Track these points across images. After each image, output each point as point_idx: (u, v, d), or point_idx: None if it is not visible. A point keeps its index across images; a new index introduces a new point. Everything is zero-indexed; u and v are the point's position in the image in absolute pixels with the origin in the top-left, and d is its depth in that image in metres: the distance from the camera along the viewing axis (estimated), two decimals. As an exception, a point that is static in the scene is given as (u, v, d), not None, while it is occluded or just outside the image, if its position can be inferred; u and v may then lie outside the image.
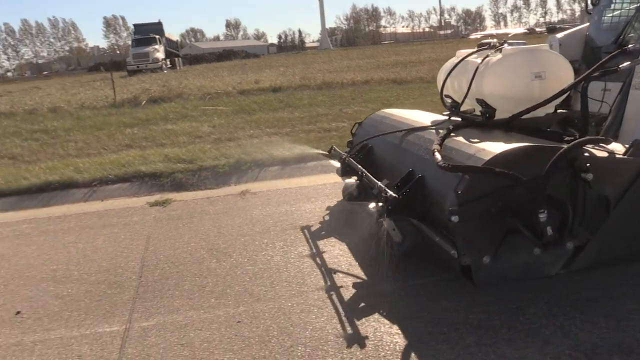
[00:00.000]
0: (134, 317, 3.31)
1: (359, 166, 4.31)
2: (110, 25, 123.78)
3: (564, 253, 3.12)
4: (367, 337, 2.83)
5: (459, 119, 4.16)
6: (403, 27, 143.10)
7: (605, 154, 3.11)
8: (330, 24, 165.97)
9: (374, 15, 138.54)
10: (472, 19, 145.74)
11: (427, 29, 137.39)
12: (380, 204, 3.38)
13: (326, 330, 2.94)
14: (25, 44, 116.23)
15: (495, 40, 4.36)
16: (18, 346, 3.10)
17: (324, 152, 5.69)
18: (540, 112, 3.78)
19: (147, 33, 42.67)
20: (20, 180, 6.90)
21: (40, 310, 3.54)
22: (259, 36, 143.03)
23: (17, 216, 5.93)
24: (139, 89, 18.65)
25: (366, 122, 5.21)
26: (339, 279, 3.57)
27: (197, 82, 20.53)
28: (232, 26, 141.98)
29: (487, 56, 4.07)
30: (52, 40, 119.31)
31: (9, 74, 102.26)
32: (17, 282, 4.05)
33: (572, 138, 3.27)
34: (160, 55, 40.48)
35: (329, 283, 3.53)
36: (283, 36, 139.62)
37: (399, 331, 2.86)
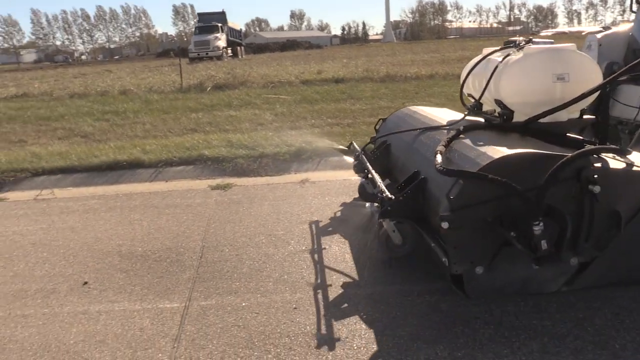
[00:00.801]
0: (194, 296, 3.39)
1: (367, 164, 4.21)
2: (179, 13, 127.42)
3: (568, 269, 2.91)
4: (416, 335, 2.78)
5: (476, 120, 3.94)
6: (470, 22, 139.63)
7: (619, 166, 2.83)
8: (395, 16, 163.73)
9: (440, 9, 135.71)
10: (544, 15, 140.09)
11: (495, 25, 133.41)
12: (376, 204, 3.29)
13: (383, 322, 2.91)
14: (99, 29, 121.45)
15: (521, 38, 4.07)
16: (85, 315, 3.25)
17: (343, 147, 5.57)
18: (563, 117, 3.45)
19: (210, 21, 43.17)
20: (91, 158, 7.21)
21: (106, 282, 3.69)
22: (323, 27, 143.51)
23: (87, 192, 6.20)
24: (204, 75, 19.08)
25: (390, 119, 5.03)
26: (395, 270, 3.52)
27: (261, 71, 20.78)
28: (297, 17, 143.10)
29: (509, 55, 3.79)
30: (123, 26, 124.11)
31: (83, 57, 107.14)
32: (85, 254, 4.23)
33: (591, 146, 2.98)
34: (222, 43, 40.99)
35: (387, 275, 3.49)
36: (346, 28, 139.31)
37: (456, 332, 2.79)
